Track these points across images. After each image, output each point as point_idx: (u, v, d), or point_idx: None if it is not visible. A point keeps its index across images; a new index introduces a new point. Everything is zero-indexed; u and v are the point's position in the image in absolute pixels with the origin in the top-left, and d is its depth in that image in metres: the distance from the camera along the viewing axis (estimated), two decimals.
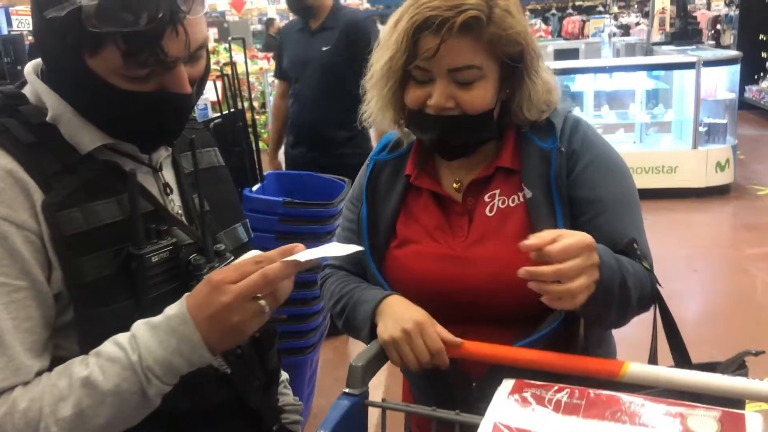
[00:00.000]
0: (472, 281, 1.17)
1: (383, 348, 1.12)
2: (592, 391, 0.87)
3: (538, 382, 0.89)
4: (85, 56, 0.84)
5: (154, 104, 0.89)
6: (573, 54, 9.02)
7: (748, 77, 9.28)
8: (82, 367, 0.85)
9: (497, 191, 1.21)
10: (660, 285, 1.13)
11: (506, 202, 1.20)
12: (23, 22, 13.92)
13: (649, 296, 1.11)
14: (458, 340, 1.09)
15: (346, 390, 1.03)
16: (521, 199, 1.19)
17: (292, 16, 4.17)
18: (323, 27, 3.37)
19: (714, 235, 5.16)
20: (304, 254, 0.84)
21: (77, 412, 0.83)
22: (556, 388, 0.87)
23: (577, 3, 22.03)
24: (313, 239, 2.66)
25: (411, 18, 1.10)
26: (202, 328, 0.84)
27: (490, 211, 1.20)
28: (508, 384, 0.88)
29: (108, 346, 0.85)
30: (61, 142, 0.91)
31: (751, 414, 0.81)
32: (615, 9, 21.42)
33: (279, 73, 3.65)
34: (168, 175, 1.03)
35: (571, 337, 1.14)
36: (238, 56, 6.03)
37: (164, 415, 0.91)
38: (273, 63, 5.44)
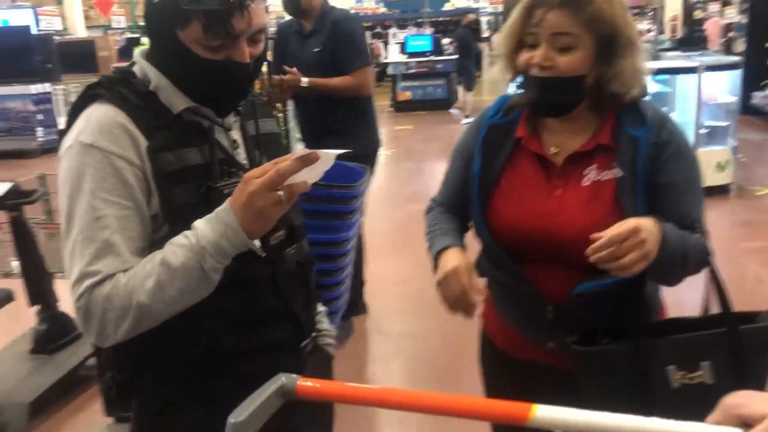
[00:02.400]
0: (558, 234, 1.39)
1: (272, 397, 0.89)
2: None
3: None
4: (177, 30, 1.14)
5: (222, 69, 1.17)
6: None
7: (754, 84, 9.48)
8: (160, 253, 1.12)
9: (594, 165, 1.41)
10: (712, 254, 1.39)
11: (599, 175, 1.40)
12: (51, 23, 14.36)
13: (703, 261, 1.37)
14: (479, 288, 1.39)
15: None
16: (612, 176, 1.39)
17: None
18: (314, 30, 3.55)
19: (712, 230, 5.38)
20: (311, 152, 1.05)
21: (157, 284, 1.10)
22: None
23: None
24: (336, 218, 2.97)
25: None
26: (239, 215, 1.08)
27: (586, 182, 1.41)
28: None
29: (178, 237, 1.12)
30: (159, 105, 1.20)
31: None
32: None
33: (276, 71, 3.71)
34: (236, 134, 1.31)
35: (629, 288, 1.33)
36: None
37: (226, 314, 1.20)
38: None
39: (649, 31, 14.69)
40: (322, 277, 2.91)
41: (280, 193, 1.06)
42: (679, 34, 12.69)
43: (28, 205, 3.22)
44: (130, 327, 1.12)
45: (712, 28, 14.96)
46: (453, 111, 12.70)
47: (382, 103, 14.38)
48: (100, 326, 1.12)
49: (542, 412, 0.78)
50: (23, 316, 3.64)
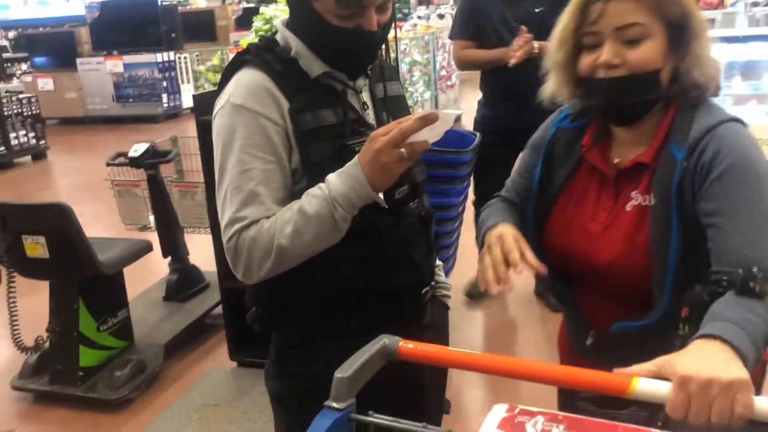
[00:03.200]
0: (596, 262, 1.29)
1: (380, 354, 0.99)
2: (572, 417, 0.82)
3: (525, 409, 0.83)
4: (313, 1, 1.24)
5: (352, 36, 1.26)
6: (708, 25, 8.73)
7: None
8: (298, 202, 1.24)
9: (638, 188, 1.25)
10: None
11: (639, 201, 1.25)
12: None
13: None
14: (534, 261, 1.21)
15: (330, 404, 0.92)
16: (650, 202, 1.23)
17: None
18: None
19: None
20: (430, 112, 1.13)
21: (295, 229, 1.22)
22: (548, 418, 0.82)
23: None
24: (447, 182, 3.05)
25: None
26: (365, 169, 1.17)
27: (629, 207, 1.27)
28: (499, 411, 0.83)
29: (313, 189, 1.23)
30: (299, 70, 1.31)
31: None
32: None
33: (465, 33, 3.43)
34: (366, 96, 1.40)
35: (665, 333, 1.14)
36: None
37: (358, 259, 1.31)
38: None
39: None
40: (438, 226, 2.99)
41: (403, 150, 1.14)
42: None
43: (164, 164, 3.51)
44: (272, 266, 1.25)
45: None
46: None
47: None
48: (246, 264, 1.26)
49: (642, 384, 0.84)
50: (158, 267, 3.98)
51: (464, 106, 9.70)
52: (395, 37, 4.17)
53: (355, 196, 1.19)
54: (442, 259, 3.08)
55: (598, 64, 1.22)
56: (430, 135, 1.15)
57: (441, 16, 14.49)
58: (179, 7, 13.02)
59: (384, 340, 0.99)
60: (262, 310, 1.41)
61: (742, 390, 0.85)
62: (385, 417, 0.92)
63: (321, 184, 1.22)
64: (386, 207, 1.28)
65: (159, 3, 11.04)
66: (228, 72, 1.33)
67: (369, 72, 1.41)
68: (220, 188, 1.28)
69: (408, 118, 1.14)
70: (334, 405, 0.91)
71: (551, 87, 1.35)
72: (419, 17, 12.92)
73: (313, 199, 1.22)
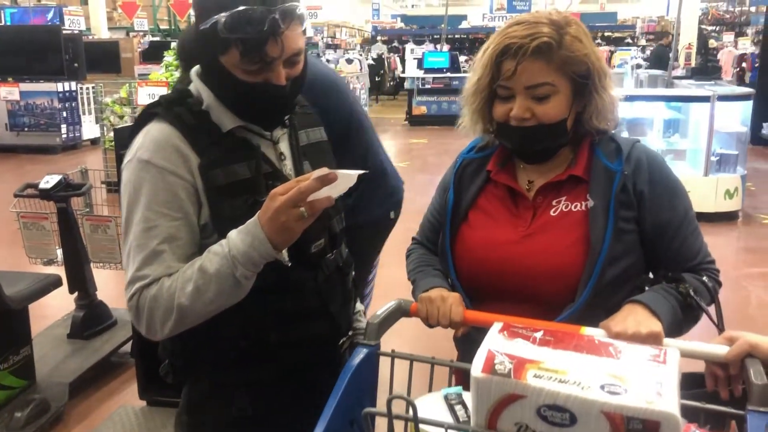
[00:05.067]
0: (523, 260, 1.37)
1: (398, 309, 1.36)
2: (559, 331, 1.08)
3: (520, 324, 1.08)
4: (219, 55, 1.23)
5: (260, 91, 1.25)
6: None
7: (765, 114, 9.63)
8: (200, 260, 1.21)
9: (564, 197, 1.40)
10: (719, 284, 1.41)
11: (569, 207, 1.39)
12: (75, 22, 14.63)
13: (709, 301, 1.36)
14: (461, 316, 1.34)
15: (363, 341, 1.26)
16: (583, 207, 1.37)
17: None
18: None
19: (718, 255, 5.51)
20: (329, 173, 1.11)
21: (195, 288, 1.19)
22: (533, 329, 1.06)
23: (606, 34, 22.45)
24: None
25: (495, 45, 1.35)
26: (265, 228, 1.14)
27: (554, 212, 1.40)
28: (497, 325, 1.07)
29: (214, 246, 1.20)
30: (211, 123, 1.29)
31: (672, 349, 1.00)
32: (643, 42, 21.87)
33: None
34: (284, 147, 1.38)
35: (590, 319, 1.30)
36: None
37: (273, 311, 1.31)
38: None
39: None
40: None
41: (302, 209, 1.12)
42: (693, 62, 12.91)
43: (75, 197, 3.42)
44: (174, 325, 1.22)
45: (726, 58, 15.16)
46: None
47: (397, 116, 14.61)
48: (149, 323, 1.24)
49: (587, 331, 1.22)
50: (62, 302, 3.83)
51: None
52: None
53: (255, 254, 1.17)
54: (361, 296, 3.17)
55: (511, 116, 1.35)
56: (334, 191, 1.14)
57: (350, 61, 14.84)
58: (83, 37, 12.66)
59: (400, 301, 1.38)
60: (175, 361, 1.39)
61: (656, 340, 1.21)
62: (403, 352, 1.25)
63: (222, 241, 1.20)
64: (289, 265, 1.23)
65: (62, 31, 10.72)
66: (138, 124, 1.32)
67: (287, 121, 1.40)
68: (124, 244, 1.28)
69: (307, 176, 1.13)
70: (368, 342, 1.26)
71: (465, 123, 1.48)
72: (328, 60, 13.17)
73: (214, 257, 1.20)
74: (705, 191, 6.27)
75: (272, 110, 1.33)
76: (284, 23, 1.19)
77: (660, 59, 13.07)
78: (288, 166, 1.38)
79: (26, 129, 10.24)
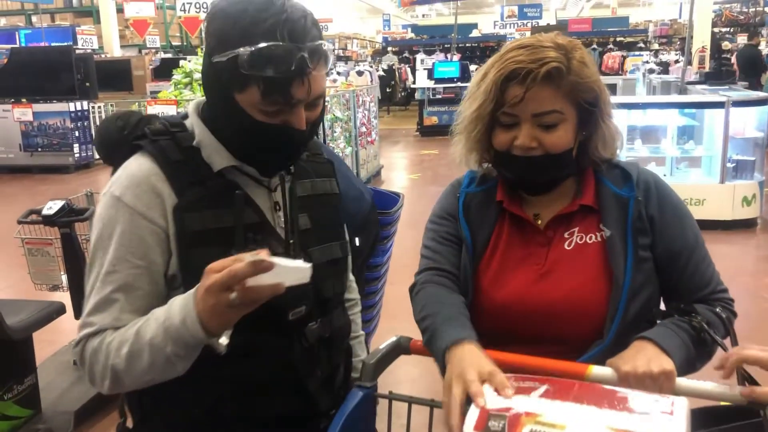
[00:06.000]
0: (544, 297, 1.30)
1: (397, 347, 1.30)
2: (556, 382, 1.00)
3: (512, 375, 1.02)
4: (234, 92, 1.11)
5: (278, 135, 1.14)
6: (610, 90, 9.33)
7: None
8: (142, 320, 1.09)
9: (576, 228, 1.33)
10: (734, 314, 1.33)
11: (584, 239, 1.32)
12: (88, 41, 14.79)
13: (724, 333, 1.28)
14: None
15: (359, 383, 1.21)
16: (599, 238, 1.31)
17: None
18: None
19: (736, 265, 5.44)
20: (263, 260, 0.94)
21: (130, 352, 1.08)
22: (527, 381, 1.00)
23: (618, 38, 22.29)
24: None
25: (498, 70, 1.25)
26: (198, 306, 1.01)
27: (569, 246, 1.33)
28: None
29: (159, 308, 1.08)
30: (200, 161, 1.18)
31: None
32: (656, 46, 21.69)
33: None
34: (280, 195, 1.24)
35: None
36: None
37: (229, 379, 1.17)
38: None
39: (677, 61, 14.73)
40: None
41: (233, 295, 0.96)
42: (707, 66, 12.72)
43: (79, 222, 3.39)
44: (111, 384, 1.12)
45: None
46: None
47: (408, 127, 14.57)
48: (90, 376, 1.14)
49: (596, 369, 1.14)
50: (68, 327, 3.79)
51: (383, 161, 9.90)
52: None
53: (187, 334, 1.02)
54: (365, 319, 3.11)
55: (516, 146, 1.27)
56: (286, 278, 0.95)
57: (360, 73, 14.85)
58: (95, 55, 12.77)
59: (400, 338, 1.32)
60: (132, 415, 1.29)
61: (668, 378, 1.12)
62: (401, 394, 1.22)
63: (165, 306, 1.08)
64: (223, 353, 1.04)
65: (74, 51, 10.81)
66: (123, 155, 1.23)
67: (291, 168, 1.28)
68: (87, 282, 1.18)
69: (242, 256, 0.96)
70: (364, 384, 1.22)
71: (459, 152, 1.39)
72: (339, 73, 13.18)
73: (152, 321, 1.08)
74: (722, 199, 6.15)
75: (287, 154, 1.21)
76: (312, 63, 1.09)
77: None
78: (281, 218, 1.25)
79: (39, 149, 10.32)
